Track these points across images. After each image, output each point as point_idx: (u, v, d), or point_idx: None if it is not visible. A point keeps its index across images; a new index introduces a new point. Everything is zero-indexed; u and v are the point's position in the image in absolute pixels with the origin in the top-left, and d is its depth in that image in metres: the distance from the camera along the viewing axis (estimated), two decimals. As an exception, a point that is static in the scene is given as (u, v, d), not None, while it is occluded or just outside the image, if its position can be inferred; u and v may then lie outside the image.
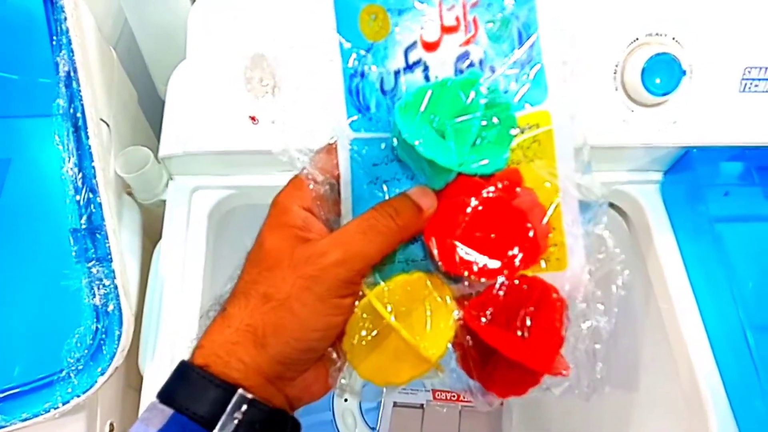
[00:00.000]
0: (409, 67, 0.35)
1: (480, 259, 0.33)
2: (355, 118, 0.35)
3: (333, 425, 0.97)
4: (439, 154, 0.32)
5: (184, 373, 0.32)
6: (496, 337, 0.33)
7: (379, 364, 0.35)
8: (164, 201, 0.58)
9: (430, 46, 0.35)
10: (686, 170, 0.58)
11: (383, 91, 0.34)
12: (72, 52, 0.47)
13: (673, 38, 0.54)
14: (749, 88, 0.55)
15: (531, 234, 0.34)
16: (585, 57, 0.55)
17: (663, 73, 0.54)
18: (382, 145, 0.35)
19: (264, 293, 0.33)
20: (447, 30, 0.35)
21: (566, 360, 0.34)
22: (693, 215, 0.57)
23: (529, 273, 0.35)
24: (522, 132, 0.35)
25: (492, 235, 0.34)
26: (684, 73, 0.54)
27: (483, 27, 0.35)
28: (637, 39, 0.55)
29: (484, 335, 0.33)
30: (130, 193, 0.59)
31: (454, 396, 0.96)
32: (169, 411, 0.31)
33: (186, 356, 0.33)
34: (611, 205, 0.67)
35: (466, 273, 0.33)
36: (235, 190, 0.59)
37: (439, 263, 0.34)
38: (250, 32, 0.54)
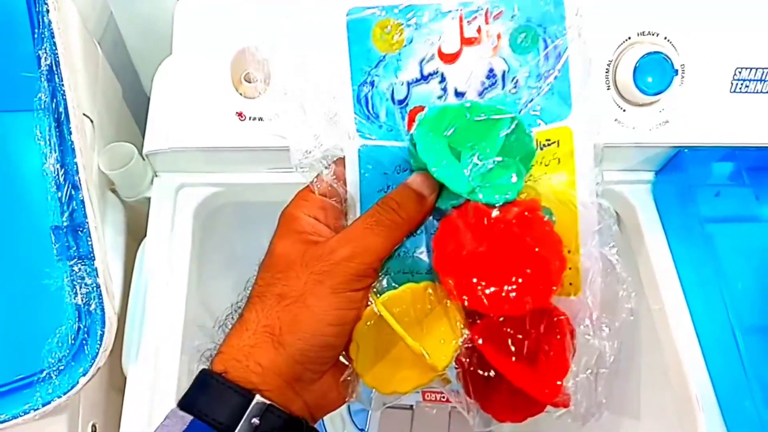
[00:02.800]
0: (424, 78, 0.34)
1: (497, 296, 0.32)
2: (364, 124, 0.35)
3: (322, 427, 0.96)
4: (451, 178, 0.32)
5: (204, 380, 0.33)
6: (502, 361, 0.33)
7: (385, 372, 0.35)
8: (149, 198, 0.57)
9: (449, 58, 0.34)
10: (678, 170, 0.58)
11: (394, 101, 0.34)
12: (54, 45, 0.46)
13: (665, 38, 0.54)
14: (740, 88, 0.55)
15: (548, 267, 0.33)
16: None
17: (655, 73, 0.53)
18: (393, 154, 0.35)
19: (279, 293, 0.34)
20: (468, 42, 0.34)
21: (567, 389, 0.34)
22: (684, 215, 0.57)
23: None
24: (542, 148, 0.34)
25: (509, 271, 0.33)
26: (676, 72, 0.54)
27: (507, 38, 0.34)
28: (629, 38, 0.54)
29: (491, 358, 0.33)
30: (114, 191, 0.58)
31: (443, 397, 0.95)
32: (188, 417, 0.31)
33: (205, 359, 0.35)
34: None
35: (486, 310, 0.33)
36: (221, 188, 0.58)
37: (463, 301, 0.33)
38: (237, 27, 0.53)
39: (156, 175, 0.58)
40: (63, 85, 0.46)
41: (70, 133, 0.45)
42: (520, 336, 0.33)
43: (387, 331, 0.34)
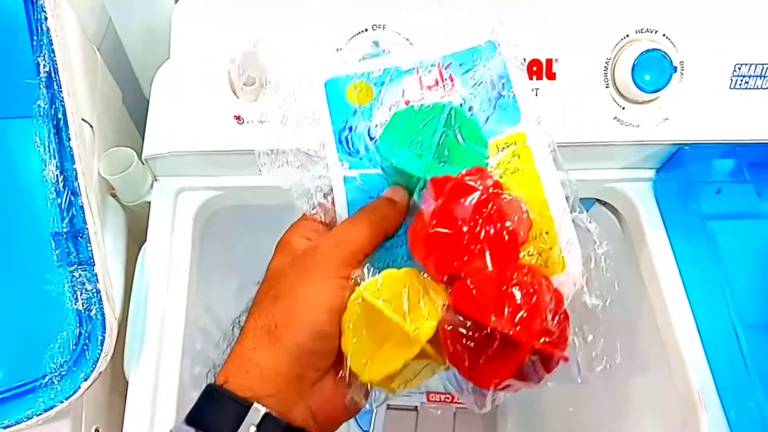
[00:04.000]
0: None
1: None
2: (347, 158, 0.41)
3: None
4: (409, 164, 0.38)
5: (208, 393, 0.34)
6: (480, 309, 0.33)
7: (375, 358, 0.35)
8: (149, 202, 0.57)
9: (415, 102, 0.41)
10: (678, 168, 0.58)
11: (371, 138, 0.41)
12: (53, 52, 0.46)
13: (664, 35, 0.54)
14: (740, 84, 0.55)
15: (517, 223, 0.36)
16: (575, 54, 0.54)
17: (653, 70, 0.53)
18: (374, 179, 0.41)
19: (273, 295, 0.36)
20: (428, 88, 0.41)
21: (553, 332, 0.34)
22: (685, 213, 0.57)
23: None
24: (503, 151, 0.40)
25: (475, 235, 0.35)
26: (675, 69, 0.53)
27: (459, 80, 0.42)
28: (628, 35, 0.54)
29: (469, 310, 0.33)
30: (114, 195, 0.58)
31: (448, 398, 0.95)
32: (186, 429, 0.32)
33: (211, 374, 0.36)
34: (603, 203, 0.66)
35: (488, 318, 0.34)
36: (220, 191, 0.58)
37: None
38: (234, 30, 0.53)
39: (156, 180, 0.58)
40: (61, 91, 0.46)
41: (69, 140, 0.45)
42: (498, 291, 0.34)
43: (372, 318, 0.34)
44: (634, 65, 0.53)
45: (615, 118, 0.55)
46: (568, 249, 0.38)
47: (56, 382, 0.44)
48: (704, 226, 0.54)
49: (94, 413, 0.51)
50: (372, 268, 0.37)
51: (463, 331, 0.33)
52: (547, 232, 0.38)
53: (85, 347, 0.44)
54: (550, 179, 0.39)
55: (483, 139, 0.40)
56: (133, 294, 0.54)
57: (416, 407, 0.95)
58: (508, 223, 0.35)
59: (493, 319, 0.32)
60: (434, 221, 0.35)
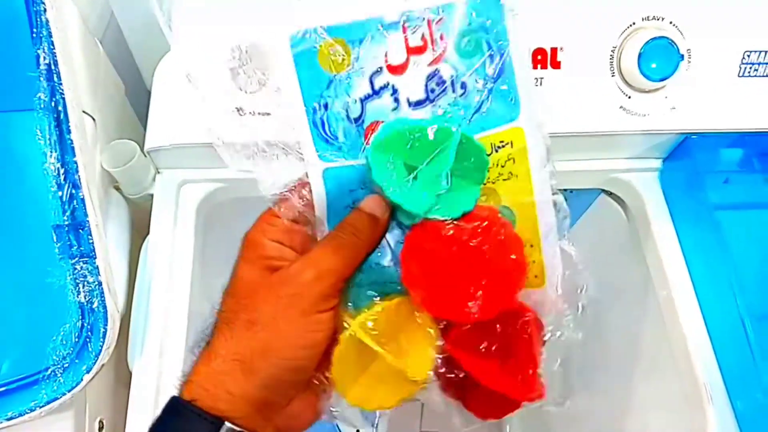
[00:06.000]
0: (376, 93, 0.35)
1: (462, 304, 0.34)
2: (324, 147, 0.35)
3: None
4: (407, 199, 0.33)
5: (174, 407, 0.33)
6: (476, 366, 0.34)
7: (368, 390, 0.35)
8: (152, 195, 0.57)
9: (397, 69, 0.34)
10: (685, 157, 0.57)
11: (350, 120, 0.35)
12: (52, 44, 0.46)
13: (671, 22, 0.53)
14: (749, 72, 0.54)
15: (508, 273, 0.34)
16: (580, 42, 0.53)
17: (660, 58, 0.52)
18: (356, 171, 0.35)
19: (247, 320, 0.34)
20: (413, 51, 0.34)
21: (540, 382, 0.35)
22: (692, 203, 0.56)
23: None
24: (497, 150, 0.35)
25: (472, 281, 0.34)
26: (682, 57, 0.52)
27: (452, 43, 0.34)
28: (634, 23, 0.53)
29: (465, 364, 0.34)
30: (117, 188, 0.58)
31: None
32: None
33: (175, 386, 0.35)
34: (609, 193, 0.65)
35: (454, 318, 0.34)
36: (223, 184, 0.58)
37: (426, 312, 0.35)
38: (235, 20, 0.53)
39: (158, 172, 0.58)
40: (61, 83, 0.46)
41: (69, 132, 0.45)
42: (490, 339, 0.34)
43: (365, 351, 0.34)
44: (640, 53, 0.52)
45: (621, 107, 0.54)
46: (551, 266, 0.37)
47: (59, 375, 0.44)
48: (711, 216, 0.53)
49: (98, 405, 0.51)
50: (360, 290, 0.36)
51: (457, 375, 0.34)
52: (531, 245, 0.37)
53: (88, 340, 0.45)
54: (543, 193, 0.36)
55: (485, 163, 0.35)
56: (137, 286, 0.54)
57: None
58: (508, 274, 0.34)
59: (487, 375, 0.34)
60: (433, 265, 0.34)
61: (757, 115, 0.54)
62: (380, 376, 0.35)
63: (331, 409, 0.36)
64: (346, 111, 0.34)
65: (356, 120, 0.35)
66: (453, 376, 0.35)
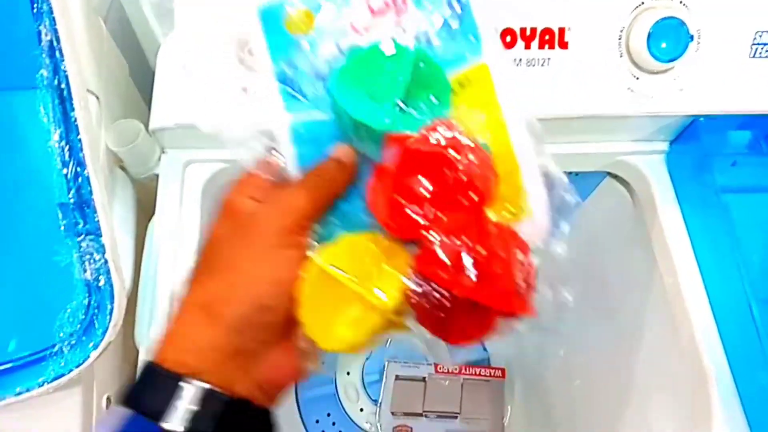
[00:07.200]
0: (342, 53, 0.36)
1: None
2: (291, 100, 0.36)
3: (336, 398, 0.97)
4: (368, 116, 0.34)
5: (144, 371, 0.32)
6: (451, 282, 0.32)
7: (336, 328, 0.34)
8: (158, 175, 0.57)
9: (362, 31, 0.36)
10: (693, 140, 0.56)
11: (317, 77, 0.36)
12: (53, 21, 0.45)
13: (680, 2, 0.52)
14: (760, 53, 0.53)
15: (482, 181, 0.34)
16: (588, 22, 0.53)
17: (669, 38, 0.51)
18: (325, 127, 0.36)
19: (208, 266, 0.34)
20: (377, 14, 0.36)
21: (525, 297, 0.34)
22: (699, 186, 0.56)
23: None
24: (461, 86, 0.36)
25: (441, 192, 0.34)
26: (691, 38, 0.52)
27: (412, 1, 0.36)
28: (643, 3, 0.52)
29: (440, 281, 0.33)
30: (123, 168, 0.58)
31: (456, 369, 0.96)
32: (122, 411, 0.31)
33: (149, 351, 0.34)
34: (615, 176, 0.65)
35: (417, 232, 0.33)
36: (228, 164, 0.58)
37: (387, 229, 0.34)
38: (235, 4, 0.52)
39: (164, 152, 0.58)
40: (64, 60, 0.45)
41: (73, 110, 0.45)
42: (465, 253, 0.33)
43: (334, 289, 0.33)
44: (649, 34, 0.51)
45: (629, 88, 0.53)
46: (533, 192, 0.36)
47: (66, 351, 0.44)
48: (719, 199, 0.53)
49: (106, 382, 0.52)
50: (322, 232, 0.35)
51: (431, 296, 0.33)
52: (512, 171, 0.36)
53: (94, 317, 0.45)
54: (514, 117, 0.36)
55: (448, 86, 0.36)
56: (143, 265, 0.54)
57: (424, 378, 0.96)
58: (474, 180, 0.33)
59: (461, 285, 0.32)
60: (396, 182, 0.33)
61: None
62: (348, 310, 0.33)
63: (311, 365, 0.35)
64: (315, 71, 0.36)
65: (324, 78, 0.36)
66: (426, 301, 0.33)
